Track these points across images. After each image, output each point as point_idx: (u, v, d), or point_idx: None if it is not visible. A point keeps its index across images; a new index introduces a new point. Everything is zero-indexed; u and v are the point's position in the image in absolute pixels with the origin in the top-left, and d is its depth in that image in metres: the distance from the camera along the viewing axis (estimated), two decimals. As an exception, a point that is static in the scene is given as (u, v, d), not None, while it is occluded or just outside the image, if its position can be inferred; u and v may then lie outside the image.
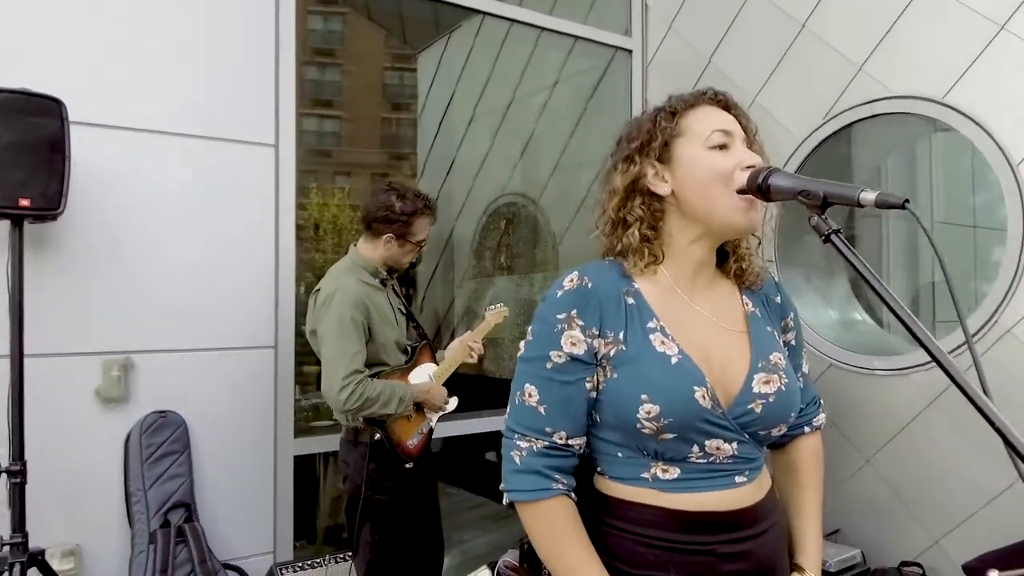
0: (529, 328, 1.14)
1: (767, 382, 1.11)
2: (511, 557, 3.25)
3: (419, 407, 2.50)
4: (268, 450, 2.77)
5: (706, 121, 1.13)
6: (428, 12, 6.11)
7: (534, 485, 1.08)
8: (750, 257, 1.21)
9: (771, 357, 1.15)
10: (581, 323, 1.08)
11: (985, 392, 0.84)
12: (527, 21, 3.75)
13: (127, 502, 2.37)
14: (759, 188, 1.05)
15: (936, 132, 3.62)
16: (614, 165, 1.19)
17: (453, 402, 2.63)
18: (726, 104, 1.18)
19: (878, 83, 2.91)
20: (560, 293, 1.11)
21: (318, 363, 2.42)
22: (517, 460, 1.10)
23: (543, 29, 3.85)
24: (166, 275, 2.56)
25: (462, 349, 2.67)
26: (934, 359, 0.87)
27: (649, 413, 1.04)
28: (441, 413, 2.60)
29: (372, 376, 2.36)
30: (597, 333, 1.09)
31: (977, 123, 2.59)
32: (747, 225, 1.10)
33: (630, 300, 1.11)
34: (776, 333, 1.22)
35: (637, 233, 1.13)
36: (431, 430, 2.57)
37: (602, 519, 1.11)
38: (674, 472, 1.08)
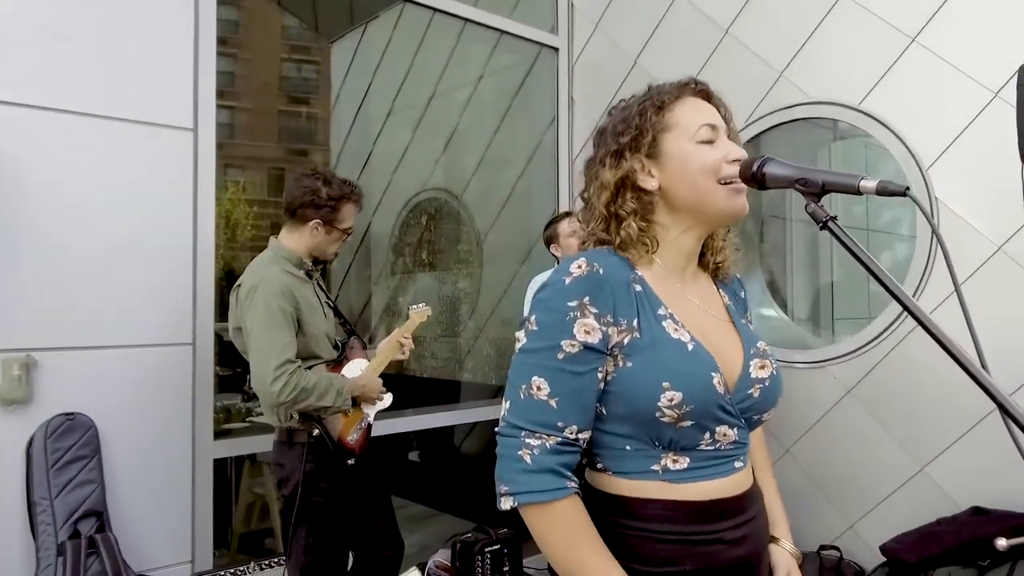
0: (531, 318, 1.08)
1: (762, 367, 1.13)
2: (442, 557, 3.21)
3: (355, 402, 2.41)
4: (186, 453, 2.60)
5: (693, 115, 1.13)
6: (343, 0, 5.95)
7: (550, 484, 1.01)
8: (726, 251, 1.23)
9: (759, 344, 1.17)
10: (595, 310, 1.04)
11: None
12: (451, 12, 3.69)
13: (30, 513, 2.17)
14: (753, 176, 1.06)
15: (835, 141, 3.84)
16: (600, 160, 1.17)
17: (388, 397, 2.56)
18: (707, 94, 1.19)
19: (798, 89, 3.04)
20: (569, 280, 1.05)
21: (245, 364, 2.29)
22: (528, 459, 1.02)
23: (467, 21, 3.80)
24: (73, 266, 2.35)
25: (393, 345, 2.59)
26: (941, 345, 0.88)
27: (672, 400, 1.01)
28: (377, 408, 2.52)
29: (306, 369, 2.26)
30: (612, 320, 1.05)
31: (890, 129, 2.75)
32: (739, 210, 1.11)
33: (637, 287, 1.09)
34: (748, 325, 1.25)
35: (634, 225, 1.12)
36: (370, 425, 2.49)
37: (611, 519, 1.07)
38: (684, 461, 1.07)
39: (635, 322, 1.06)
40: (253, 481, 3.76)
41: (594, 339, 1.03)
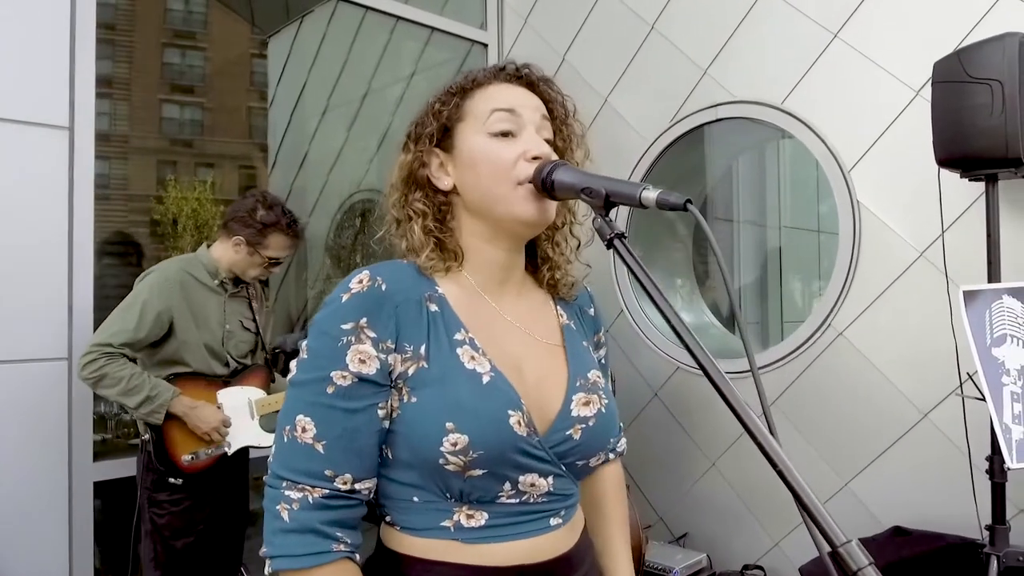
0: (303, 344, 0.91)
1: (587, 403, 0.96)
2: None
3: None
4: (62, 476, 2.40)
5: (488, 101, 0.95)
6: (280, -6, 5.74)
7: (308, 548, 0.85)
8: (565, 265, 1.06)
9: (589, 375, 1.00)
10: (373, 335, 0.87)
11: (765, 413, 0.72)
12: (382, 9, 3.56)
13: None
14: (543, 184, 0.91)
15: (784, 138, 3.73)
16: (399, 147, 1.01)
17: (267, 439, 2.29)
18: (529, 81, 1.00)
19: (722, 87, 2.92)
20: (346, 297, 0.89)
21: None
22: (285, 516, 0.85)
23: (398, 18, 3.66)
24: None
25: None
26: (702, 368, 0.75)
27: (456, 445, 0.85)
28: (241, 443, 2.29)
29: (170, 377, 2.18)
30: (392, 347, 0.88)
31: (812, 129, 2.64)
32: (535, 216, 0.93)
33: (433, 307, 0.93)
34: (590, 348, 1.08)
35: (417, 228, 0.95)
36: (222, 454, 2.25)
37: None
38: (481, 518, 0.90)
39: (423, 349, 0.89)
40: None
41: (370, 369, 0.87)
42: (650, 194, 0.80)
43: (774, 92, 2.75)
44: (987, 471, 2.06)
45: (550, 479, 0.92)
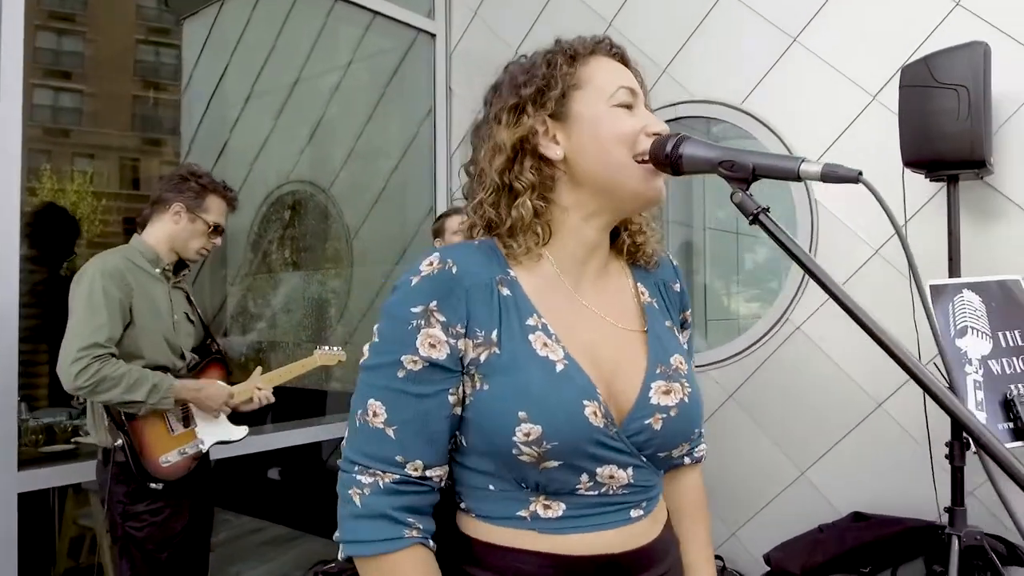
0: (375, 327, 0.89)
1: (667, 392, 0.92)
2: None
3: (188, 421, 2.08)
4: (-18, 488, 2.14)
5: (611, 74, 0.93)
6: (197, -27, 5.41)
7: (379, 534, 0.84)
8: (646, 231, 1.02)
9: (671, 361, 0.95)
10: (442, 319, 0.85)
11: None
12: (319, -10, 3.39)
13: None
14: (667, 158, 0.87)
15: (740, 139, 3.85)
16: (495, 116, 0.94)
17: (239, 432, 2.21)
18: (623, 59, 0.98)
19: (680, 86, 2.97)
20: (416, 280, 0.87)
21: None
22: (357, 501, 0.85)
23: (337, 0, 3.50)
24: None
25: (253, 388, 2.27)
26: (880, 344, 0.73)
27: (528, 435, 0.83)
28: (220, 437, 2.17)
29: None
30: (463, 332, 0.86)
31: (770, 128, 2.72)
32: (656, 195, 0.91)
33: (504, 291, 0.89)
34: (676, 329, 1.03)
35: (530, 204, 0.90)
36: (200, 453, 2.12)
37: (467, 570, 0.89)
38: (558, 508, 0.87)
39: (495, 334, 0.87)
40: (79, 512, 3.25)
41: (440, 354, 0.85)
42: (812, 167, 0.76)
43: (733, 92, 2.81)
44: (947, 456, 2.17)
45: (630, 470, 0.89)
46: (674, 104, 2.96)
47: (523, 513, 0.87)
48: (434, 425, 0.86)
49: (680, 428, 0.93)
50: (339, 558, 0.87)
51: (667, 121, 2.97)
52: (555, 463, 0.84)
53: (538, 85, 0.92)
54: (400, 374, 0.85)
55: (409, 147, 3.93)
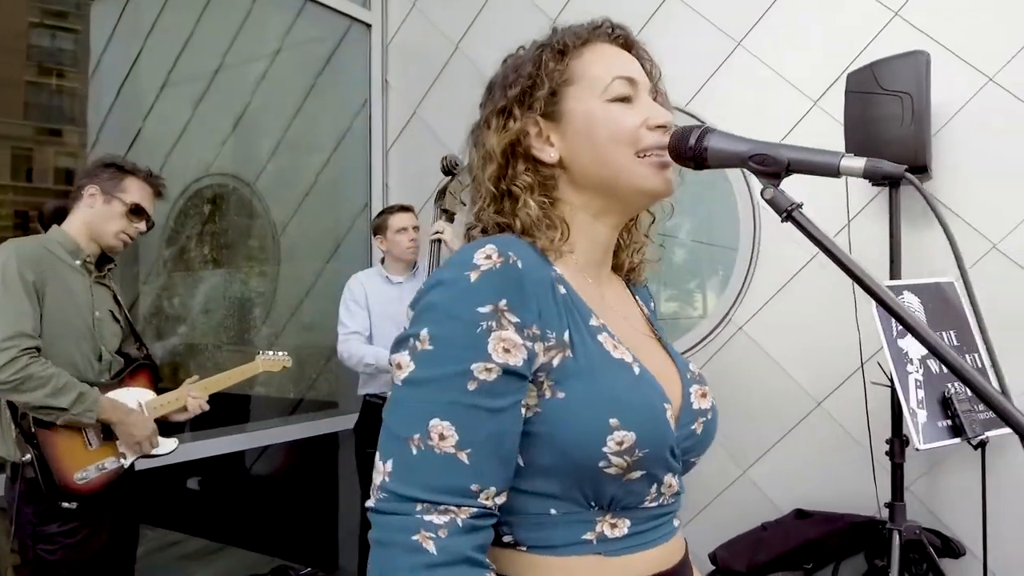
0: (419, 333, 0.74)
1: (703, 395, 0.89)
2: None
3: (109, 434, 1.91)
4: None
5: (604, 65, 0.86)
6: (107, -49, 5.06)
7: None
8: (646, 248, 0.98)
9: (691, 366, 0.93)
10: (515, 319, 0.74)
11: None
12: (247, -26, 3.22)
13: None
14: (691, 152, 0.81)
15: None
16: (485, 120, 0.88)
17: (168, 444, 2.05)
18: (627, 42, 0.92)
19: (627, 86, 2.96)
20: (475, 276, 0.74)
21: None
22: (431, 548, 0.69)
23: (264, -15, 3.34)
24: None
25: (186, 396, 2.11)
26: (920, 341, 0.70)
27: (621, 444, 0.74)
28: (140, 455, 2.00)
29: None
30: (538, 333, 0.75)
31: (717, 132, 2.74)
32: (662, 187, 0.85)
33: (561, 289, 0.81)
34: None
35: (533, 203, 0.84)
36: (120, 469, 1.95)
37: None
38: (623, 526, 0.79)
39: (565, 336, 0.77)
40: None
41: (517, 360, 0.73)
42: (854, 163, 0.72)
43: (678, 94, 2.82)
44: (887, 453, 2.24)
45: (678, 478, 0.85)
46: (619, 104, 2.95)
47: (589, 536, 0.78)
48: (509, 443, 0.74)
49: (712, 432, 0.90)
50: None
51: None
52: (639, 473, 0.77)
53: (523, 85, 0.86)
54: (471, 386, 0.72)
55: (342, 140, 3.79)
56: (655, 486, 0.81)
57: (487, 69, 3.22)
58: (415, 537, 0.69)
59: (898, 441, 2.22)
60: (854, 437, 2.45)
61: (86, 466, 1.85)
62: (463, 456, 0.71)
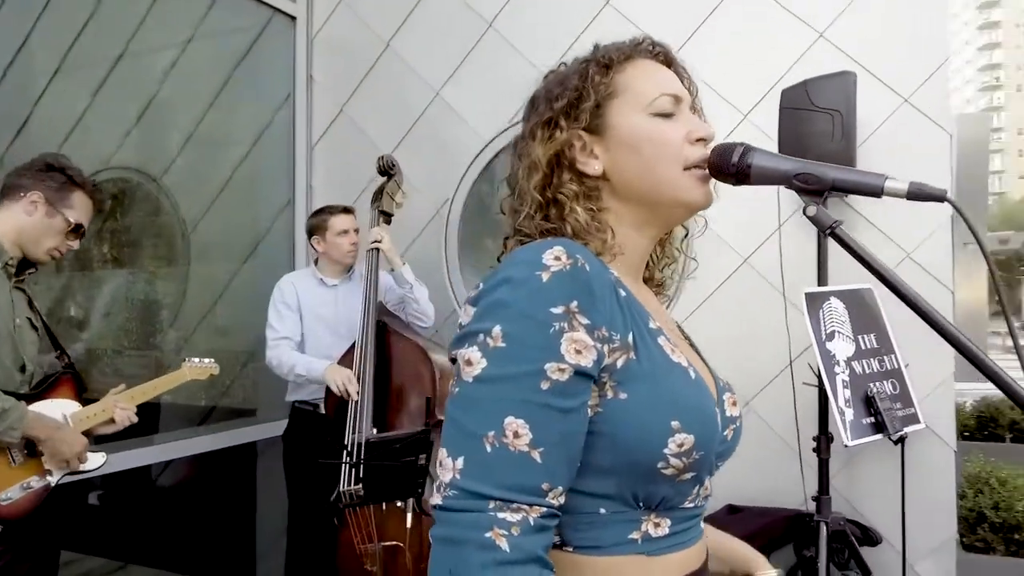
0: (491, 330, 0.74)
1: (734, 403, 0.92)
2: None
3: (33, 449, 1.75)
4: None
5: (650, 80, 0.88)
6: (-12, -79, 4.64)
7: None
8: (678, 260, 1.01)
9: (721, 374, 0.96)
10: (586, 321, 0.74)
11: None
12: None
13: None
14: (734, 168, 0.84)
15: None
16: (530, 131, 0.90)
17: (96, 459, 1.90)
18: (667, 59, 0.94)
19: (563, 92, 2.99)
20: (547, 276, 0.74)
21: None
22: (504, 545, 0.69)
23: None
24: None
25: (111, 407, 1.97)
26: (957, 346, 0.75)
27: (682, 446, 0.77)
28: (67, 471, 1.84)
29: None
30: (607, 335, 0.76)
31: (651, 141, 2.82)
32: (704, 201, 0.87)
33: (622, 292, 0.82)
34: None
35: (581, 210, 0.85)
36: (48, 488, 1.79)
37: None
38: (665, 525, 0.82)
39: (629, 338, 0.79)
40: None
41: (587, 361, 0.74)
42: (898, 184, 0.76)
43: (615, 103, 2.89)
44: (814, 449, 2.37)
45: (711, 481, 0.88)
46: (556, 110, 2.98)
47: (635, 535, 0.80)
48: (577, 443, 0.75)
49: (738, 439, 0.92)
50: None
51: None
52: (690, 474, 0.80)
53: (570, 98, 0.87)
54: (544, 385, 0.72)
55: (262, 135, 3.64)
56: (698, 487, 0.84)
57: (419, 67, 3.20)
58: (488, 534, 0.69)
59: (824, 438, 2.35)
60: (779, 435, 2.58)
61: (10, 486, 1.68)
62: (536, 455, 0.72)
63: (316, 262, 2.89)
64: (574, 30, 2.97)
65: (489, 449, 0.72)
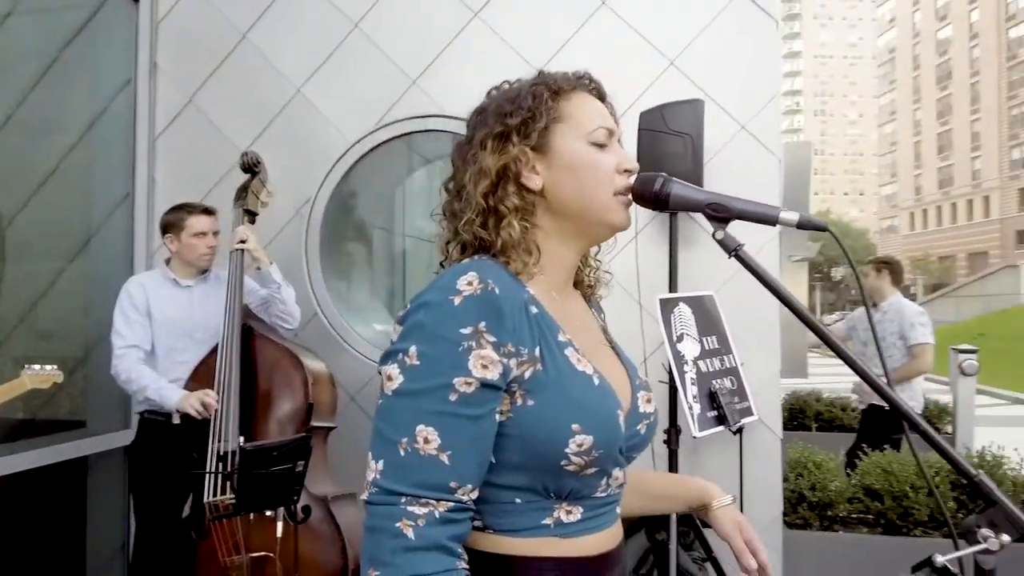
0: (408, 349, 0.85)
1: (648, 400, 1.02)
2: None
3: None
4: None
5: (589, 112, 0.98)
6: None
7: (438, 566, 0.82)
8: (596, 269, 1.10)
9: (639, 373, 1.06)
10: (493, 339, 0.85)
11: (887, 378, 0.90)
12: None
13: None
14: (655, 196, 0.96)
15: (420, 167, 4.02)
16: (481, 142, 0.96)
17: None
18: (601, 95, 1.03)
19: (431, 100, 3.04)
20: (459, 300, 0.85)
21: None
22: (410, 533, 0.81)
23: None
24: None
25: None
26: (850, 364, 0.90)
27: (581, 446, 0.87)
28: None
29: None
30: (512, 351, 0.86)
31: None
32: (626, 223, 0.98)
33: (533, 309, 0.92)
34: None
35: (516, 225, 0.94)
36: None
37: None
38: (577, 512, 0.93)
39: (537, 351, 0.89)
40: None
41: (493, 374, 0.85)
42: (790, 216, 0.91)
43: (482, 112, 2.97)
44: (665, 441, 2.59)
45: (623, 472, 0.98)
46: (426, 116, 3.02)
47: (547, 521, 0.91)
48: (485, 446, 0.86)
49: (652, 432, 1.03)
50: None
51: (415, 134, 3.05)
52: (593, 469, 0.90)
53: (524, 116, 0.95)
54: (453, 397, 0.83)
55: (96, 123, 3.34)
56: (605, 479, 0.94)
57: (279, 62, 3.12)
58: (398, 524, 0.81)
59: (674, 430, 2.58)
60: (633, 430, 2.78)
61: None
62: (444, 458, 0.83)
63: (168, 262, 2.70)
64: (440, 39, 3.03)
65: (403, 453, 0.83)
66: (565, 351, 0.92)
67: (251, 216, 2.62)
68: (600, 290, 1.11)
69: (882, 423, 3.91)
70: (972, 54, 47.24)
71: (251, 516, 2.18)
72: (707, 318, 2.64)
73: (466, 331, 0.84)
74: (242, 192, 2.62)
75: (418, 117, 3.03)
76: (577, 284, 1.07)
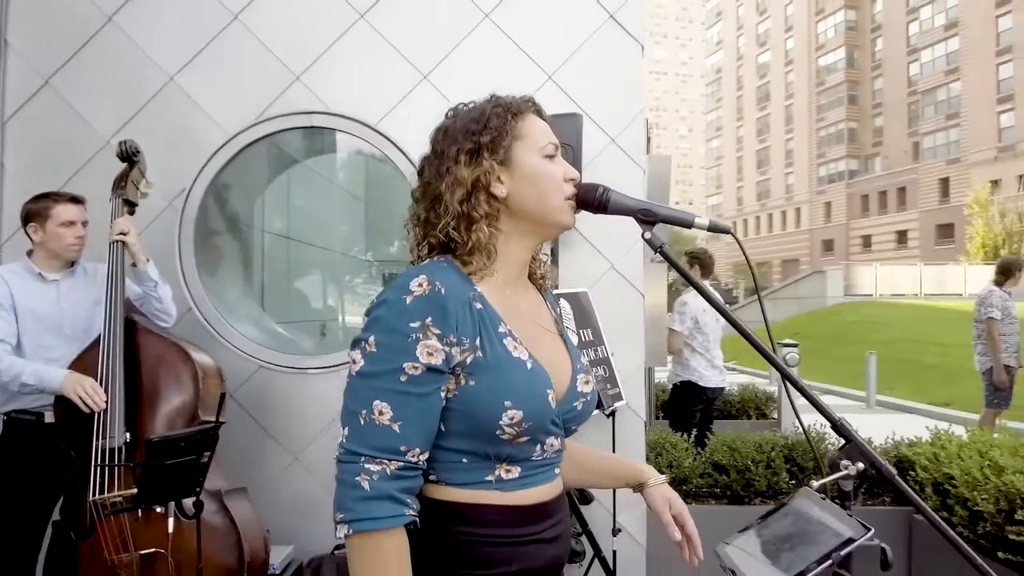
0: (368, 339, 1.05)
1: (586, 382, 1.20)
2: None
3: None
4: None
5: (539, 130, 1.16)
6: None
7: (388, 511, 1.01)
8: (544, 264, 1.26)
9: (582, 359, 1.24)
10: (437, 331, 1.04)
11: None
12: None
13: None
14: (596, 201, 1.14)
15: (293, 166, 4.02)
16: (454, 157, 1.12)
17: None
18: (542, 115, 1.21)
19: (315, 96, 3.06)
20: (410, 299, 1.04)
21: None
22: (366, 486, 1.01)
23: None
24: None
25: None
26: (764, 355, 1.11)
27: (512, 419, 1.06)
28: None
29: None
30: (455, 341, 1.05)
31: (403, 152, 3.03)
32: (572, 223, 1.17)
33: (478, 305, 1.10)
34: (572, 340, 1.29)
35: (485, 229, 1.11)
36: None
37: (444, 527, 1.09)
38: (515, 471, 1.11)
39: (477, 341, 1.07)
40: None
41: (437, 360, 1.04)
42: (702, 220, 1.12)
43: (370, 112, 3.04)
44: (544, 428, 2.79)
45: (559, 440, 1.16)
46: (309, 113, 3.03)
47: (489, 477, 1.10)
48: (431, 418, 1.05)
49: (590, 408, 1.21)
50: (339, 537, 1.01)
51: (299, 129, 3.06)
52: (525, 438, 1.09)
53: (493, 135, 1.12)
54: (402, 379, 1.03)
55: (-69, 102, 3.05)
56: (538, 446, 1.12)
57: (152, 51, 3.07)
58: (357, 478, 1.01)
59: (554, 417, 2.78)
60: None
61: None
62: (396, 427, 1.03)
63: (30, 253, 2.53)
64: (322, 37, 3.06)
65: (362, 423, 1.03)
66: (504, 340, 1.09)
67: (131, 207, 2.53)
68: (547, 284, 1.28)
69: (683, 398, 4.59)
70: (787, 78, 52.43)
71: (139, 513, 2.12)
72: (583, 313, 2.88)
73: (415, 325, 1.03)
74: (121, 181, 2.52)
75: (303, 113, 3.04)
76: (531, 277, 1.24)
